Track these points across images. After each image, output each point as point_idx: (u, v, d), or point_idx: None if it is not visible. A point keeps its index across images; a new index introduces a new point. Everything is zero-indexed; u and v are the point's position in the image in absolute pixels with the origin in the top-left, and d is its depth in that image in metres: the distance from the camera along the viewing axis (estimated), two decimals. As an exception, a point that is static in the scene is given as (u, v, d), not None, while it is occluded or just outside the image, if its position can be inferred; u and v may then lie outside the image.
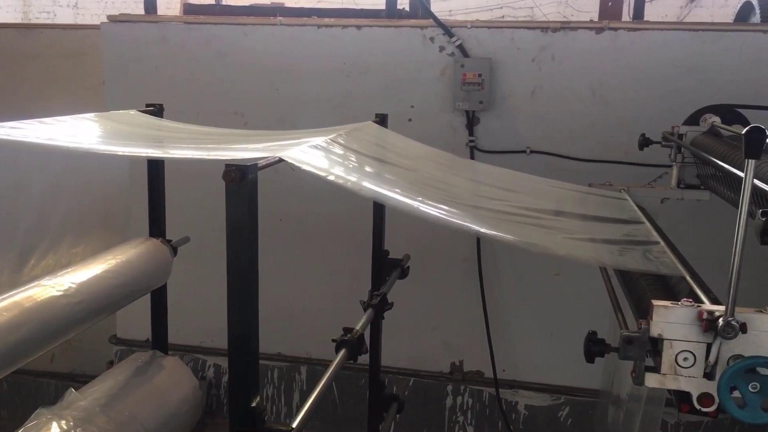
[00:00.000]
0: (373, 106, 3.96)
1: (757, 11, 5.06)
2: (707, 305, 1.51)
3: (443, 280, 4.16)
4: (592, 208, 2.62)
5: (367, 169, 2.10)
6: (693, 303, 1.51)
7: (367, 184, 1.86)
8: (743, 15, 5.38)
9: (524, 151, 3.92)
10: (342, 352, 2.29)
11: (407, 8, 4.30)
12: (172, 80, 4.21)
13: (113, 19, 4.26)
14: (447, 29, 3.84)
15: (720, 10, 10.65)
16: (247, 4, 4.70)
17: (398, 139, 2.97)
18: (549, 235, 2.06)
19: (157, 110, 3.21)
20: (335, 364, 2.22)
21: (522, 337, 4.12)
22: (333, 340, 2.38)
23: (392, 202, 1.89)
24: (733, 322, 1.42)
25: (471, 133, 3.95)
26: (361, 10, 4.15)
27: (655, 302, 1.53)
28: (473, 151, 3.96)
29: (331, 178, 1.88)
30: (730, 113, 3.01)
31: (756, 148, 1.38)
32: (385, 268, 3.22)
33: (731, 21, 5.18)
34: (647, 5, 11.96)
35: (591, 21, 3.80)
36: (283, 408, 4.48)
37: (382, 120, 3.18)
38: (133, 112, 3.08)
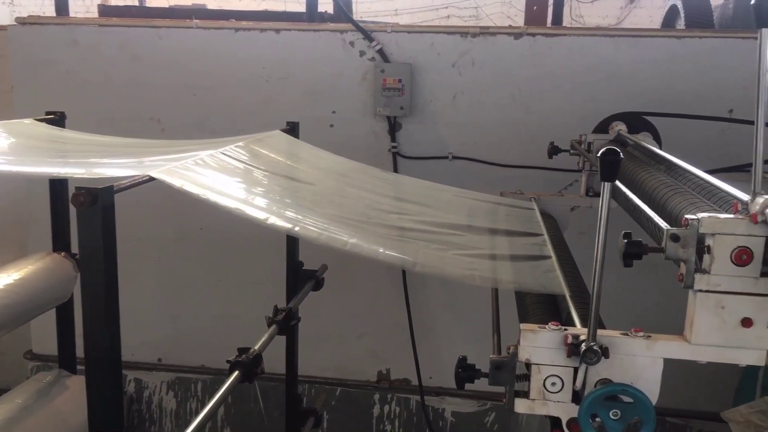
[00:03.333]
0: (293, 112, 3.89)
1: (682, 15, 5.15)
2: (572, 329, 1.48)
3: (369, 288, 4.11)
4: (500, 221, 2.60)
5: (247, 184, 2.02)
6: (560, 326, 1.47)
7: (239, 205, 1.79)
8: (670, 19, 5.47)
9: (446, 157, 3.88)
10: (234, 375, 2.20)
11: (331, 11, 4.22)
12: (84, 85, 4.05)
13: (21, 21, 4.06)
14: (366, 33, 3.77)
15: (658, 12, 10.83)
16: (167, 6, 4.55)
17: (305, 149, 2.90)
18: (439, 251, 2.02)
19: (57, 118, 3.07)
20: (225, 388, 2.14)
21: (448, 343, 4.09)
22: (227, 361, 2.30)
23: (270, 221, 1.82)
24: (594, 347, 1.39)
25: (393, 139, 3.90)
26: (282, 12, 4.06)
27: (523, 326, 1.50)
28: (396, 157, 3.91)
29: (206, 196, 1.80)
30: (637, 120, 3.03)
31: (611, 171, 1.35)
32: (300, 279, 3.15)
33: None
34: (589, 6, 12.05)
35: (510, 26, 3.78)
36: (208, 423, 4.35)
37: (293, 128, 3.10)
38: (28, 121, 2.93)
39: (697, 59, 3.64)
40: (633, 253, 1.41)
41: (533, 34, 3.71)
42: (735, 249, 1.35)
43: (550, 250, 2.11)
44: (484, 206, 2.78)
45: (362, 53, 3.84)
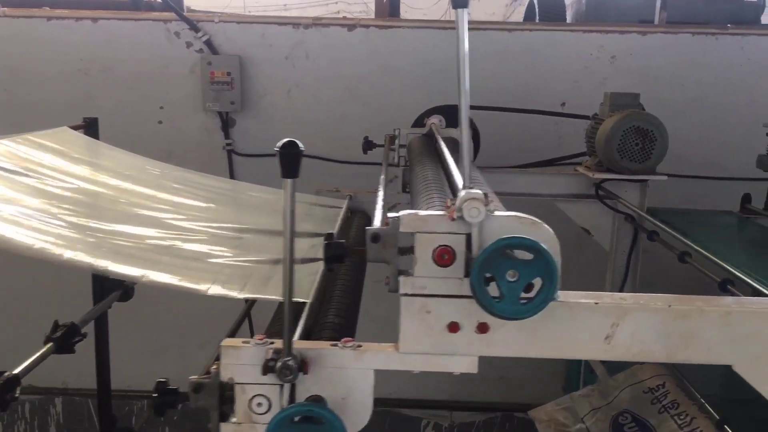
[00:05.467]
0: (118, 107, 3.63)
1: (536, 10, 5.19)
2: (278, 342, 1.33)
3: (208, 296, 3.87)
4: (310, 222, 2.45)
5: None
6: (265, 340, 1.32)
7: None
8: (529, 14, 5.52)
9: (284, 154, 3.70)
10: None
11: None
12: None
13: None
14: (191, 23, 3.54)
15: (542, 9, 11.00)
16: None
17: (99, 149, 2.64)
18: (190, 262, 1.84)
19: None
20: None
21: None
22: (-26, 388, 2.03)
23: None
24: (289, 362, 1.25)
25: (227, 136, 3.69)
26: (107, 1, 3.76)
27: (225, 342, 1.34)
28: (231, 155, 3.71)
29: None
30: (456, 114, 2.95)
31: (291, 167, 1.21)
32: (106, 290, 2.89)
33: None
34: (476, 3, 12.16)
35: (344, 18, 3.67)
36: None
37: (90, 125, 2.83)
38: None
39: (529, 52, 3.63)
40: (334, 256, 1.28)
41: (367, 26, 3.59)
42: (436, 248, 1.24)
43: (317, 252, 1.97)
44: (301, 207, 2.62)
45: (189, 44, 3.61)
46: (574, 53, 3.61)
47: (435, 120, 2.80)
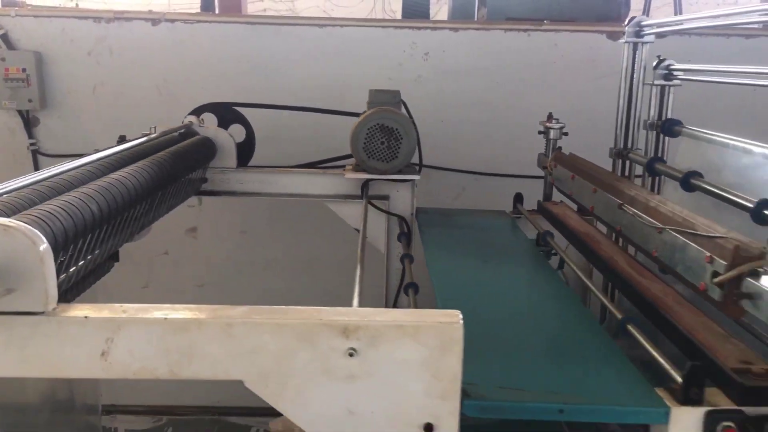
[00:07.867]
0: None
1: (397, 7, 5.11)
2: None
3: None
4: None
5: None
6: None
7: None
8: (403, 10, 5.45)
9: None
10: None
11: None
12: None
13: None
14: (-17, 18, 3.37)
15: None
16: None
17: None
18: None
19: None
20: None
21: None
22: None
23: None
24: None
25: (30, 136, 3.52)
26: None
27: None
28: (36, 155, 3.54)
29: None
30: (228, 112, 2.84)
31: None
32: None
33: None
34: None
35: (150, 12, 3.50)
36: None
37: None
38: None
39: (342, 48, 3.51)
40: None
41: (172, 20, 3.45)
42: None
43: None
44: None
45: (-15, 40, 3.43)
46: (388, 50, 3.51)
47: (192, 118, 2.67)
